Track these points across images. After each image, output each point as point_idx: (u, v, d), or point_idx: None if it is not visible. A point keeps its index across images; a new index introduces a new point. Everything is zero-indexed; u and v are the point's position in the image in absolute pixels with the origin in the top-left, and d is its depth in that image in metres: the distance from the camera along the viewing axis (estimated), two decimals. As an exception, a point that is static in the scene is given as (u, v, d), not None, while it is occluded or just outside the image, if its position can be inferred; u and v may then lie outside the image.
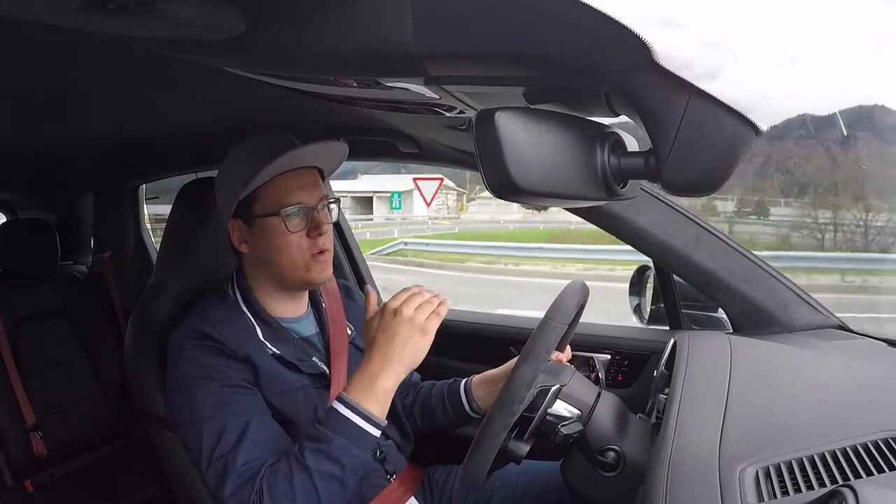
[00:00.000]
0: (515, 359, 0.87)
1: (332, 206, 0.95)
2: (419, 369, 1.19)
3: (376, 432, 0.80)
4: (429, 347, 0.80)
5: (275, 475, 0.79)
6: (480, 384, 1.06)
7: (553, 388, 0.80)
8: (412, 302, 0.81)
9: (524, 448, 0.77)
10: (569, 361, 0.98)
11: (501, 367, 1.04)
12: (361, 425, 0.79)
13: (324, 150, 0.95)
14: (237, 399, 0.85)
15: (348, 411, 0.79)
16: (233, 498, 0.80)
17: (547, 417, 0.82)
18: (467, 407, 1.06)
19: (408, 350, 0.80)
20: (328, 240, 0.93)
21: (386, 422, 0.82)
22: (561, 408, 0.82)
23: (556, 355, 0.92)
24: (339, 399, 0.81)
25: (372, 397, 0.80)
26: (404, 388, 1.13)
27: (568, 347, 1.00)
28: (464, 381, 1.09)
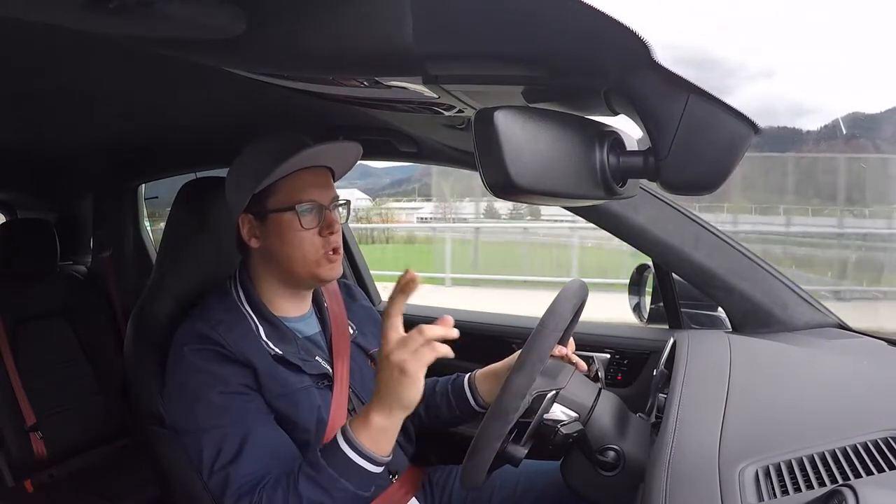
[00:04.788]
0: (518, 352, 0.87)
1: (343, 207, 0.96)
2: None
3: (370, 467, 0.78)
4: (415, 388, 0.75)
5: (274, 492, 0.80)
6: (484, 378, 1.06)
7: (549, 395, 0.80)
8: (400, 344, 0.75)
9: (522, 451, 0.77)
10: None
11: (504, 360, 1.04)
12: (352, 457, 0.78)
13: (339, 150, 0.96)
14: (236, 406, 0.85)
15: (343, 442, 0.78)
16: None
17: (544, 421, 0.82)
18: (472, 402, 1.06)
19: (392, 389, 0.76)
20: (339, 239, 0.94)
21: (386, 458, 0.79)
22: (558, 411, 0.82)
23: (558, 349, 0.92)
24: (342, 428, 0.80)
25: (365, 431, 0.78)
26: None
27: (571, 341, 0.99)
28: (467, 375, 1.08)
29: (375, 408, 0.77)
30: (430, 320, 0.75)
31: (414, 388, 0.75)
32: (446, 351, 0.76)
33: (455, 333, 0.76)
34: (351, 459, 0.78)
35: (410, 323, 0.75)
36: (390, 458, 0.80)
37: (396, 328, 0.76)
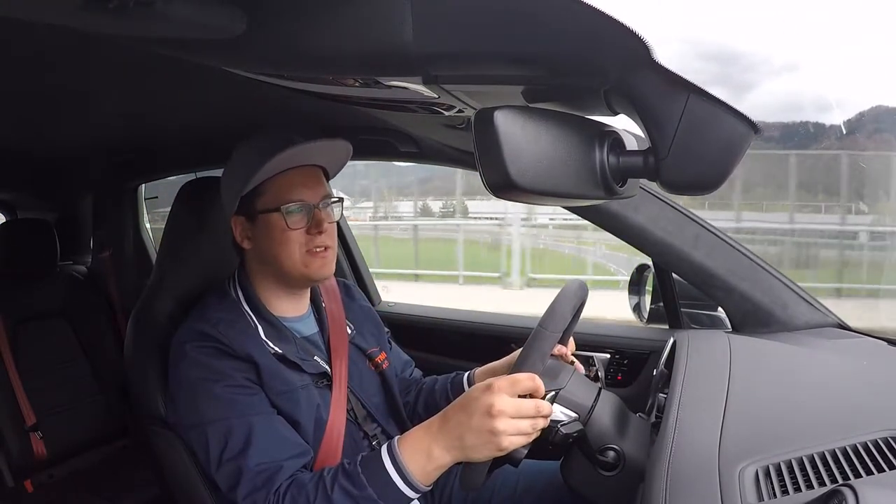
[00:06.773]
0: (518, 351, 0.86)
1: (335, 205, 0.96)
2: (420, 366, 1.20)
3: (411, 494, 0.76)
4: (490, 452, 0.73)
5: (300, 492, 0.78)
6: (484, 376, 1.05)
7: (549, 395, 0.80)
8: (517, 409, 0.73)
9: (522, 451, 0.77)
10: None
11: (504, 359, 1.04)
12: (397, 484, 0.76)
13: (327, 148, 0.95)
14: (241, 399, 0.85)
15: (390, 464, 0.76)
16: (247, 500, 0.80)
17: None
18: None
19: (475, 448, 0.73)
20: (329, 237, 0.93)
21: (427, 487, 0.77)
22: (558, 411, 0.82)
23: (558, 349, 0.92)
24: (389, 447, 0.78)
25: (421, 460, 0.76)
26: (406, 386, 1.13)
27: (571, 341, 0.98)
28: (466, 374, 1.08)
29: (442, 443, 0.75)
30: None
31: (489, 452, 0.73)
32: (541, 426, 0.74)
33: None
34: (396, 485, 0.76)
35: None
36: (431, 488, 0.79)
37: (516, 383, 0.74)
